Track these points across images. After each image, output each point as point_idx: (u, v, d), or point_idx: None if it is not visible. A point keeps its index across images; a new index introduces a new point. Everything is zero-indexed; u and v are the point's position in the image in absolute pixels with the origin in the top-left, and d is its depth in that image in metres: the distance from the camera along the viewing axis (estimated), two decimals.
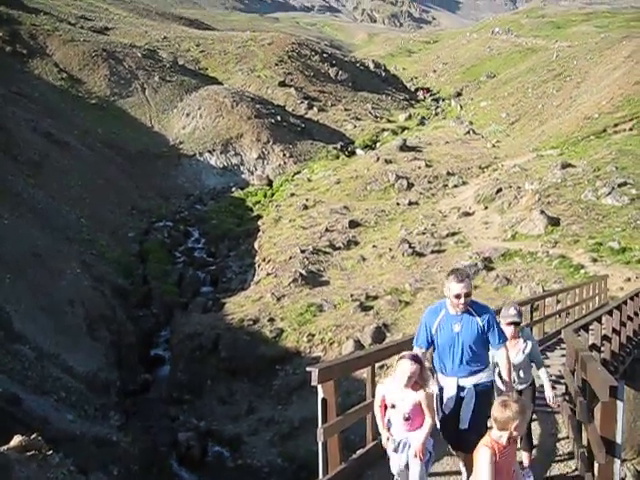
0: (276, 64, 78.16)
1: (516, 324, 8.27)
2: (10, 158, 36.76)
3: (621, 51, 63.52)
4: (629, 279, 23.90)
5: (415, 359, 6.07)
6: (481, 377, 6.65)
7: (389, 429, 6.25)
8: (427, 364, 6.64)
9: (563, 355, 12.75)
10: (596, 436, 6.17)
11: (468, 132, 59.77)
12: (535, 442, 9.15)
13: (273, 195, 49.31)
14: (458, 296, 6.56)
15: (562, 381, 10.96)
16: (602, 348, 12.30)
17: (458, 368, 6.63)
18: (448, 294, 6.65)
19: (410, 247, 30.92)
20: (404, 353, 6.19)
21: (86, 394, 20.31)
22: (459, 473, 7.16)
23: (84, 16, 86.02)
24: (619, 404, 5.87)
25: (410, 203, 39.80)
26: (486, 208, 35.75)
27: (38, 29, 62.81)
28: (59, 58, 59.93)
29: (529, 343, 8.42)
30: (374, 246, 32.78)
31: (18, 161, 37.29)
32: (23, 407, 16.13)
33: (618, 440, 5.95)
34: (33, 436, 9.80)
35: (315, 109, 68.93)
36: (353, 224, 36.52)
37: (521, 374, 8.49)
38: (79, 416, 18.49)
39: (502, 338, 6.70)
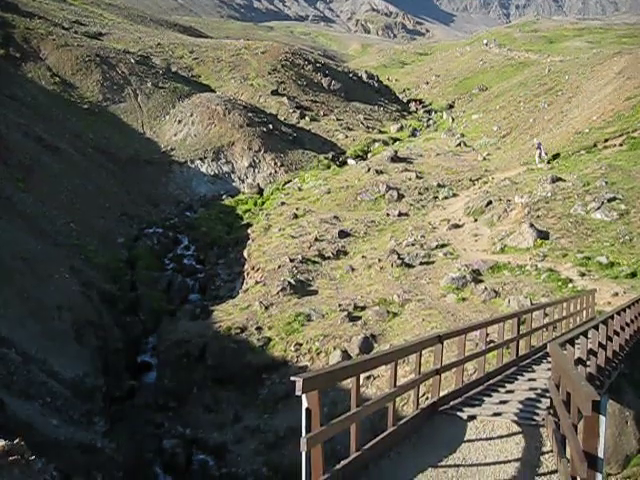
0: (269, 73, 78.25)
1: None
2: (0, 162, 36.63)
3: (612, 67, 63.89)
4: (617, 294, 23.99)
5: None
6: None
7: None
8: None
9: (549, 369, 12.79)
10: (578, 450, 6.19)
11: (459, 144, 59.99)
12: (519, 455, 9.19)
13: (263, 204, 49.27)
14: None
15: (547, 394, 11.01)
16: (588, 362, 12.34)
17: None
18: None
19: (399, 258, 30.96)
20: None
21: (71, 399, 20.20)
22: None
23: (78, 21, 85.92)
24: (602, 418, 5.89)
25: (400, 214, 39.87)
26: (476, 220, 35.85)
27: (32, 33, 62.69)
28: (52, 62, 59.82)
29: None
30: (363, 256, 32.79)
31: (8, 165, 37.14)
32: (7, 412, 16.02)
33: (600, 454, 5.97)
34: (16, 441, 9.73)
35: (307, 118, 69.01)
36: (343, 234, 36.54)
37: None
38: (64, 421, 18.39)
39: None
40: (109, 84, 60.93)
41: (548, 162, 43.90)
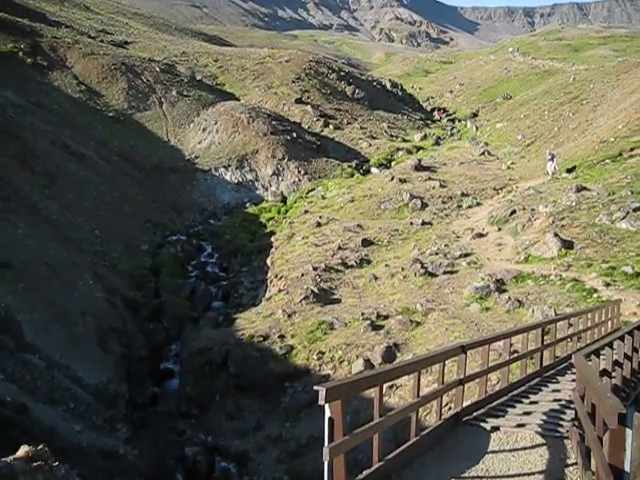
0: (293, 81, 78.54)
1: None
2: (27, 169, 37.03)
3: (638, 75, 63.39)
4: None
5: None
6: None
7: None
8: None
9: (574, 380, 12.66)
10: (604, 463, 6.11)
11: (483, 153, 59.74)
12: (543, 467, 9.09)
13: (287, 212, 49.35)
14: None
15: (572, 406, 10.89)
16: (613, 374, 12.19)
17: None
18: None
19: (422, 267, 30.82)
20: None
21: (95, 405, 20.31)
22: None
23: (104, 30, 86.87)
24: (628, 431, 5.81)
25: (424, 223, 39.72)
26: (499, 230, 35.63)
27: (59, 42, 63.49)
28: (78, 71, 60.50)
29: None
30: (386, 265, 32.69)
31: (34, 172, 37.55)
32: (31, 417, 16.13)
33: (626, 468, 5.89)
34: (40, 446, 9.77)
35: (331, 127, 69.12)
36: (366, 242, 36.46)
37: None
38: (87, 427, 18.48)
39: None
40: (134, 92, 61.51)
41: (569, 170, 43.53)
